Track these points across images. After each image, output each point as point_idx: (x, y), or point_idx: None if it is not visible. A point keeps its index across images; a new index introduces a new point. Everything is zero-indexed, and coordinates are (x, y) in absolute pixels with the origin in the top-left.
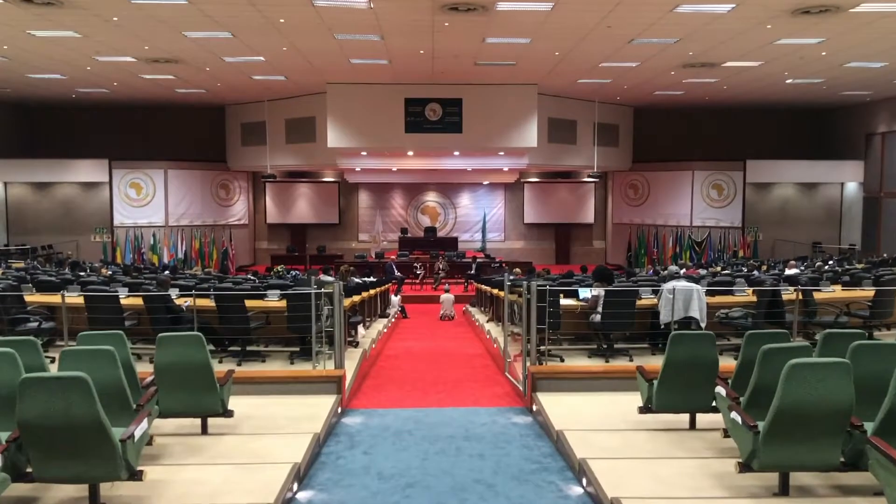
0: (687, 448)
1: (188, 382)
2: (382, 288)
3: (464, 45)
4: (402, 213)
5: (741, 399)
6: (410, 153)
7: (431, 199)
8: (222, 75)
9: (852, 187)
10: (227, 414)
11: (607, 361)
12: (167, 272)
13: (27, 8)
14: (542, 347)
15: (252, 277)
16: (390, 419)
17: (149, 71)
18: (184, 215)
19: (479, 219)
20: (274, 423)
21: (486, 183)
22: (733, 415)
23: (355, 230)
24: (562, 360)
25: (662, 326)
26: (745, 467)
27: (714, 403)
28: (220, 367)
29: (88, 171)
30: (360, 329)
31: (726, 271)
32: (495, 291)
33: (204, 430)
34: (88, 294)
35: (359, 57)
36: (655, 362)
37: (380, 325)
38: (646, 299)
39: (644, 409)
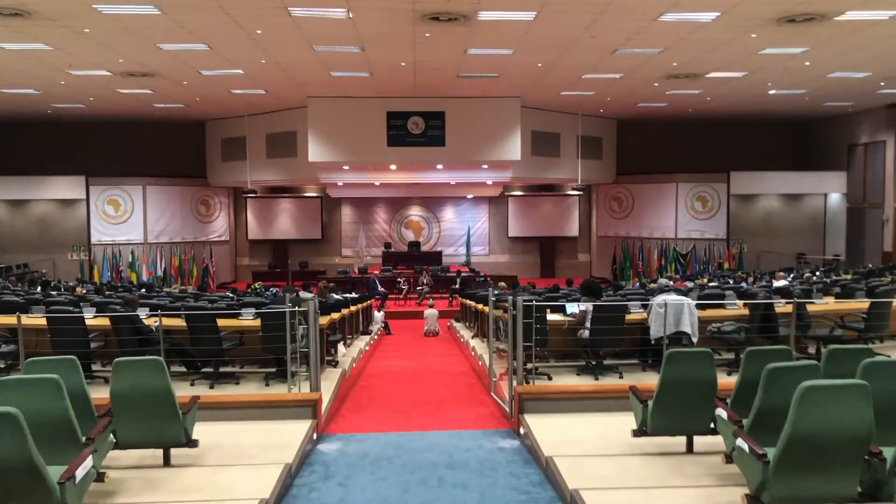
0: (686, 475)
1: (147, 411)
2: (364, 304)
3: (445, 56)
4: (385, 227)
5: (743, 422)
6: (393, 167)
7: (415, 213)
8: (200, 89)
9: (835, 198)
10: (192, 444)
11: (597, 379)
12: (143, 290)
13: None
14: (529, 365)
15: (231, 295)
16: (369, 445)
17: (125, 85)
18: (163, 232)
19: (463, 233)
20: (243, 453)
21: (469, 197)
22: (739, 442)
23: (338, 245)
24: (549, 379)
25: (653, 342)
26: (754, 500)
27: (713, 425)
28: (191, 390)
29: (65, 188)
30: (341, 347)
31: (713, 283)
32: (480, 306)
33: (166, 462)
34: (50, 315)
35: (339, 69)
36: (647, 380)
37: (362, 342)
38: (635, 314)
39: (638, 433)
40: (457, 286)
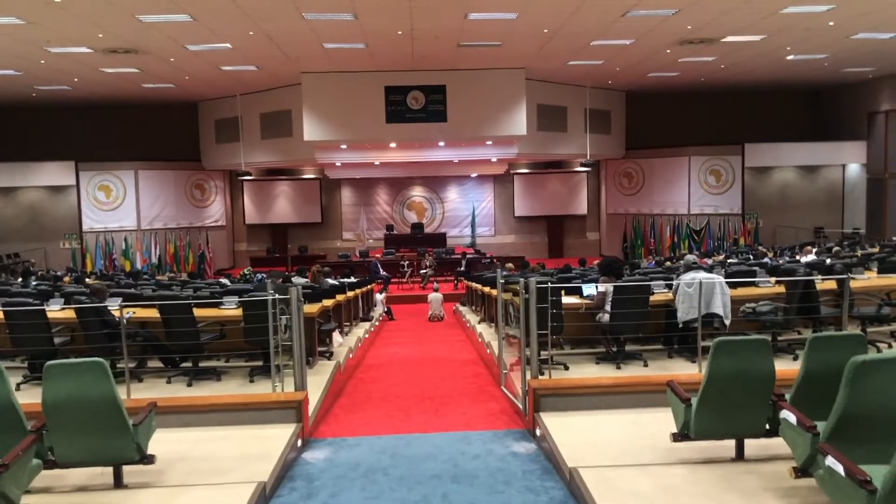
0: (743, 490)
1: (89, 423)
2: (364, 289)
3: (445, 22)
4: (387, 209)
5: (819, 427)
6: (393, 145)
7: (417, 193)
8: (189, 66)
9: (854, 169)
10: (146, 460)
11: (619, 367)
12: (130, 278)
13: None
14: (545, 354)
15: (226, 282)
16: (362, 452)
17: (109, 63)
18: (157, 218)
19: (467, 213)
20: (212, 467)
21: (474, 175)
22: (830, 462)
23: (339, 229)
24: (566, 368)
25: (681, 325)
26: None
27: (767, 426)
28: (167, 389)
29: (54, 174)
30: (337, 337)
31: (732, 260)
32: (487, 290)
33: (117, 483)
34: (7, 309)
35: (332, 41)
36: (676, 369)
37: (361, 330)
38: (658, 294)
39: (679, 437)
40: (462, 268)
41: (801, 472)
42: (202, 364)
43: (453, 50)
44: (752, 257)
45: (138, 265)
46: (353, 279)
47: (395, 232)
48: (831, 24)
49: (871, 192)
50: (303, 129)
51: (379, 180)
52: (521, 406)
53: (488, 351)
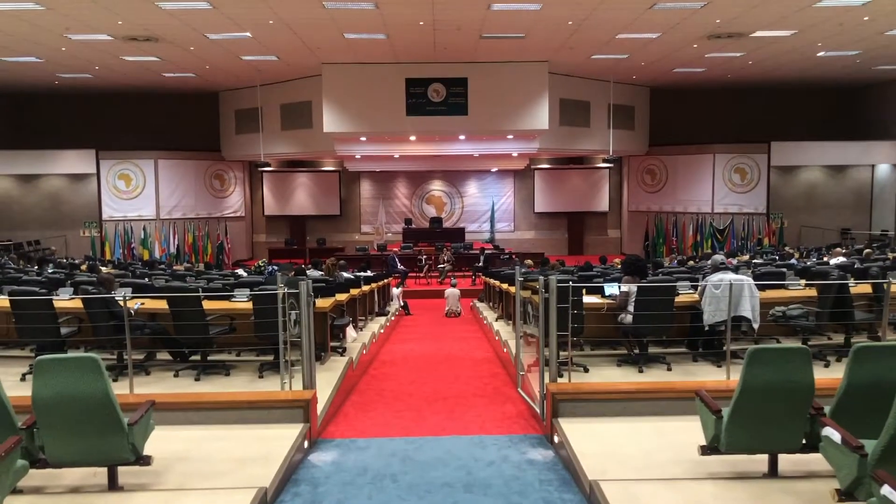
0: None
1: (81, 421)
2: (381, 283)
3: (467, 13)
4: (406, 203)
5: (866, 447)
6: (413, 138)
7: (437, 187)
8: (209, 56)
9: (884, 169)
10: (142, 461)
11: (641, 371)
12: (147, 267)
13: None
14: (564, 354)
15: (242, 273)
16: (372, 455)
17: (129, 51)
18: (176, 207)
19: (487, 208)
20: (212, 469)
21: (494, 170)
22: (887, 491)
23: (357, 222)
24: (586, 371)
25: (707, 328)
26: None
27: (804, 441)
28: (174, 383)
29: (75, 162)
30: (350, 332)
31: (757, 260)
32: (505, 286)
33: (112, 485)
34: (14, 298)
35: (353, 31)
36: (702, 374)
37: (376, 325)
38: (684, 295)
39: (708, 450)
40: (480, 264)
41: (845, 495)
42: (211, 358)
43: (475, 42)
44: (777, 258)
45: (157, 255)
46: (369, 273)
47: (413, 226)
48: (866, 18)
49: None
50: (323, 121)
51: (398, 174)
52: (538, 410)
53: (505, 350)
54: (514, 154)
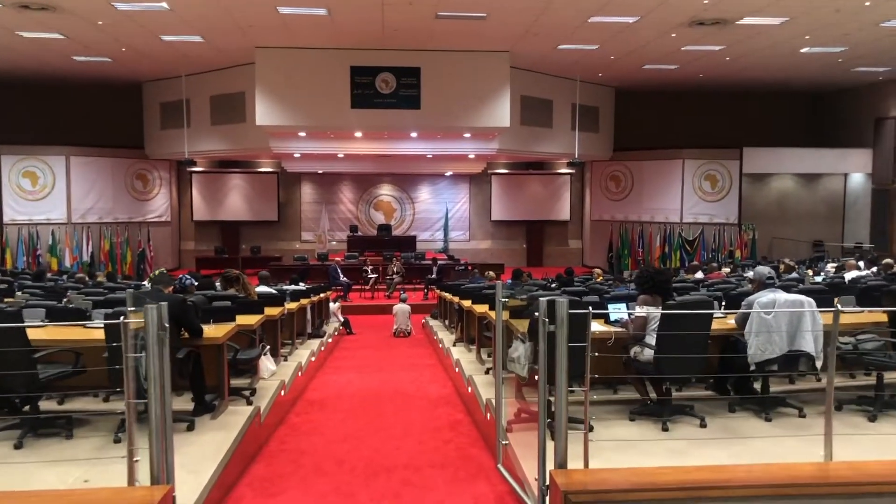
0: None
1: None
2: (316, 298)
3: None
4: (351, 208)
5: None
6: (359, 134)
7: (386, 192)
8: (123, 35)
9: (858, 178)
10: None
11: (665, 428)
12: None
13: None
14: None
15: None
16: None
17: (26, 25)
18: (91, 210)
19: (440, 215)
20: None
21: (448, 174)
22: None
23: (297, 229)
24: (591, 430)
25: (753, 367)
26: None
27: None
28: None
29: None
30: (266, 364)
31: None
32: (466, 304)
33: None
34: None
35: (289, 4)
36: (742, 428)
37: (307, 350)
38: (715, 321)
39: None
40: (433, 276)
41: None
42: (49, 409)
43: (430, 22)
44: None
45: (67, 263)
46: (301, 286)
47: (359, 234)
48: (867, 3)
49: (876, 204)
50: (256, 114)
51: (343, 176)
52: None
53: (469, 389)
54: (471, 156)
